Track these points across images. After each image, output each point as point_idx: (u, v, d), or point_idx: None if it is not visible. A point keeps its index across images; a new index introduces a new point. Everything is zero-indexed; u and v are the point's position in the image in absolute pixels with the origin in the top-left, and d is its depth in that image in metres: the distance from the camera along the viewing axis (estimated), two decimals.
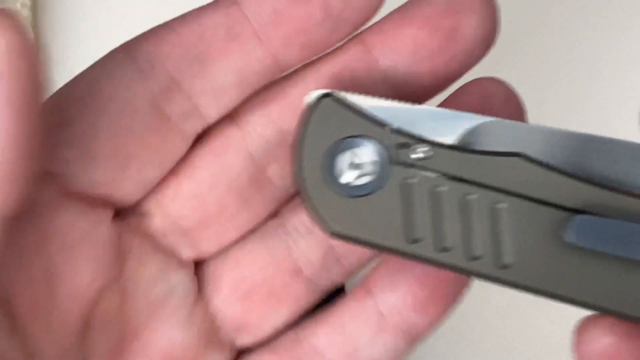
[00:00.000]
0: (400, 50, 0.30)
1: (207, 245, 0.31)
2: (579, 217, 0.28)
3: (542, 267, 0.28)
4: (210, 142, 0.30)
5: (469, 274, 0.28)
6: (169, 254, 0.30)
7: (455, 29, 0.30)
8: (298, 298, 0.32)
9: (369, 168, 0.28)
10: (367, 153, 0.28)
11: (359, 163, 0.28)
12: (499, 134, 0.29)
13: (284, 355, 0.31)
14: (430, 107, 0.29)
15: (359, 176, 0.28)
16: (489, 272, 0.28)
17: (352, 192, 0.28)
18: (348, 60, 0.30)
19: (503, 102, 0.31)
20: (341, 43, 0.31)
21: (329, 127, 0.28)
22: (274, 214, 0.32)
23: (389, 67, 0.30)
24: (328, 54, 0.31)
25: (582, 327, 0.28)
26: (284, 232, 0.31)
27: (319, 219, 0.28)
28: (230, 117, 0.30)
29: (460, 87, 0.31)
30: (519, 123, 0.29)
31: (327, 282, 0.32)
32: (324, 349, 0.31)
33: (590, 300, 0.28)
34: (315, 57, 0.30)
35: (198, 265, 0.31)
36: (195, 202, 0.30)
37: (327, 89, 0.28)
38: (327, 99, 0.28)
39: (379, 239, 0.28)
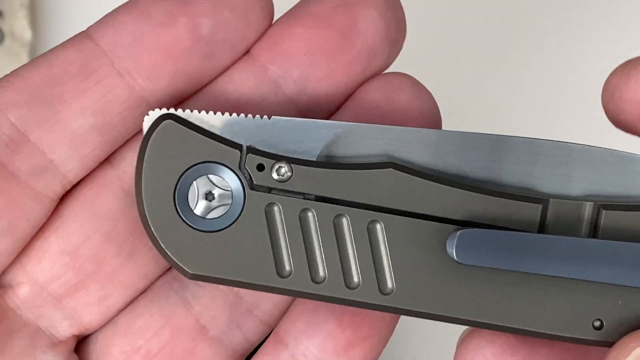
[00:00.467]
0: (290, 54, 0.26)
1: (89, 314, 0.26)
2: (462, 231, 0.23)
3: (429, 288, 0.24)
4: (80, 187, 0.26)
5: (349, 304, 0.25)
6: (37, 331, 0.26)
7: (351, 25, 0.26)
8: None
9: (224, 197, 0.25)
10: (220, 181, 0.25)
11: (212, 192, 0.25)
12: (368, 140, 0.25)
13: None
14: (290, 118, 0.25)
15: (215, 207, 0.25)
16: (370, 300, 0.24)
17: (209, 225, 0.25)
18: (231, 73, 0.26)
19: (410, 97, 0.27)
20: None
21: (172, 154, 0.24)
22: (168, 267, 0.27)
23: (280, 76, 0.26)
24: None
25: (464, 338, 0.25)
26: (180, 286, 0.27)
27: (172, 262, 0.25)
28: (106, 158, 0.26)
29: (363, 85, 0.27)
30: (389, 127, 0.25)
31: (239, 339, 0.27)
32: None
33: (485, 319, 0.24)
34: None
35: (83, 341, 0.27)
36: (66, 261, 0.26)
37: (166, 108, 0.25)
38: (166, 122, 0.24)
39: (247, 277, 0.25)
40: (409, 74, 0.28)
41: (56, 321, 0.26)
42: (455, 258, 0.24)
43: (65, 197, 0.26)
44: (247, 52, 0.27)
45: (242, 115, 0.25)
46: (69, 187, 0.26)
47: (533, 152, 0.24)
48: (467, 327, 0.25)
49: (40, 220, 0.26)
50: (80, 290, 0.26)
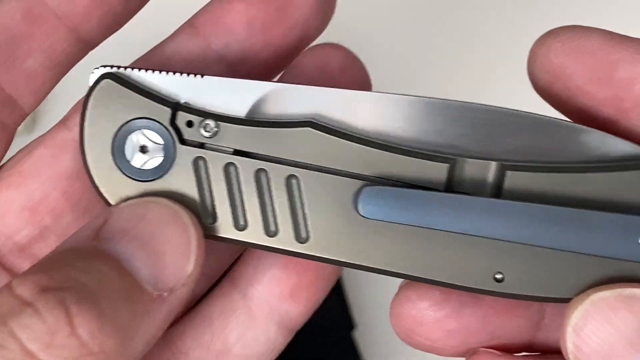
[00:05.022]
0: (231, 27, 0.28)
1: None
2: (367, 187, 0.25)
3: (339, 239, 0.26)
4: (40, 148, 0.29)
5: (269, 250, 0.26)
6: (10, 271, 0.29)
7: (286, 2, 0.28)
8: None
9: (158, 150, 0.27)
10: (153, 135, 0.27)
11: (146, 146, 0.27)
12: (294, 100, 0.26)
13: None
14: (221, 77, 0.27)
15: (150, 159, 0.27)
16: (288, 247, 0.26)
17: (143, 175, 0.27)
18: (178, 45, 0.29)
19: (341, 66, 0.29)
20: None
21: (110, 110, 0.26)
22: None
23: (221, 47, 0.29)
24: (161, 42, 0.30)
25: (399, 290, 0.27)
26: None
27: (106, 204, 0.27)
28: (63, 120, 0.29)
29: (299, 56, 0.29)
30: (313, 88, 0.26)
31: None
32: (191, 350, 0.30)
33: (391, 268, 0.26)
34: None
35: None
36: (27, 215, 0.28)
37: (112, 65, 0.27)
38: (105, 81, 0.26)
39: None
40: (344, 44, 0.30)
41: (22, 265, 0.29)
42: (361, 213, 0.25)
43: (26, 157, 0.29)
44: (192, 24, 0.29)
45: (178, 73, 0.27)
46: (25, 118, 0.29)
47: (446, 113, 0.26)
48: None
49: (4, 150, 0.29)
50: (40, 241, 0.29)
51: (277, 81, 0.29)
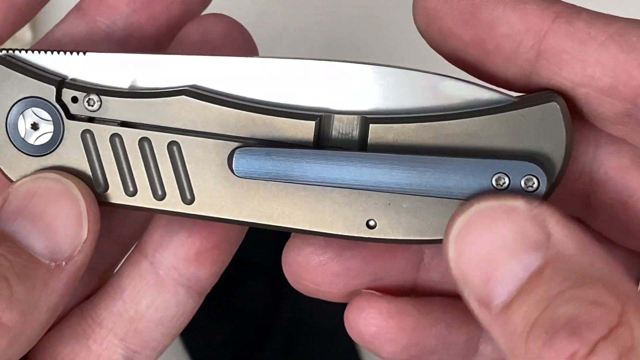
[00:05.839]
0: (115, 6, 0.30)
1: None
2: (239, 149, 0.27)
3: (220, 198, 0.28)
4: None
5: (160, 213, 0.28)
6: None
7: None
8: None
9: (48, 126, 0.28)
10: (42, 112, 0.28)
11: (36, 123, 0.28)
12: (173, 70, 0.28)
13: (69, 334, 0.31)
14: (103, 53, 0.28)
15: (41, 135, 0.28)
16: (176, 209, 0.28)
17: (37, 150, 0.28)
18: (67, 27, 0.31)
19: (224, 35, 0.30)
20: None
21: (3, 90, 0.28)
22: None
23: (108, 25, 0.30)
24: (53, 27, 0.31)
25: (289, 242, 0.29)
26: None
27: (10, 182, 0.29)
28: None
29: (185, 27, 0.31)
30: (190, 57, 0.28)
31: (99, 260, 0.32)
32: (105, 320, 0.31)
33: (270, 222, 0.28)
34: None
35: None
36: None
37: (2, 49, 0.28)
38: None
39: None
40: None
41: None
42: (235, 173, 0.27)
43: None
44: (79, 7, 0.30)
45: (62, 52, 0.28)
46: None
47: (313, 72, 0.27)
48: None
49: None
50: None
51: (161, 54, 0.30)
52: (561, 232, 0.24)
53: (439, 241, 0.27)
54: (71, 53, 0.28)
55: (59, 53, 0.28)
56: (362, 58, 0.28)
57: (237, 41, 0.30)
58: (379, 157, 0.27)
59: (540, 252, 0.24)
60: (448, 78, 0.27)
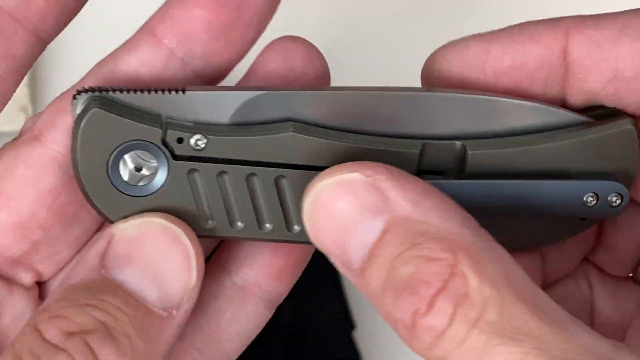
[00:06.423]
0: (192, 33, 0.30)
1: (42, 268, 0.31)
2: None
3: None
4: (20, 168, 0.30)
5: (263, 240, 0.30)
6: (8, 282, 0.31)
7: (242, 3, 0.29)
8: None
9: (152, 168, 0.29)
10: (146, 155, 0.29)
11: (141, 166, 0.29)
12: (273, 104, 0.29)
13: None
14: (201, 90, 0.29)
15: (145, 176, 0.29)
16: (282, 237, 0.30)
17: (141, 192, 0.29)
18: (142, 57, 0.30)
19: (305, 61, 0.31)
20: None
21: (101, 137, 0.28)
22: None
23: (185, 54, 0.30)
24: (120, 49, 0.31)
25: None
26: None
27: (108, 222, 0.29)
28: (34, 136, 0.30)
29: (263, 50, 0.31)
30: (289, 91, 0.29)
31: None
32: (188, 334, 0.32)
33: None
34: (106, 56, 0.31)
35: (43, 287, 0.32)
36: (19, 233, 0.30)
37: (93, 89, 0.28)
38: (94, 110, 0.28)
39: None
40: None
41: (19, 275, 0.31)
42: None
43: (8, 178, 0.30)
44: (149, 30, 0.30)
45: (160, 91, 0.28)
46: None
47: (405, 102, 0.29)
48: None
49: None
50: (32, 253, 0.31)
51: (248, 79, 0.31)
52: (397, 194, 0.26)
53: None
54: (169, 92, 0.28)
55: (156, 92, 0.28)
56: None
57: (316, 66, 0.31)
58: (479, 185, 0.29)
59: (382, 216, 0.26)
60: (524, 101, 0.29)
